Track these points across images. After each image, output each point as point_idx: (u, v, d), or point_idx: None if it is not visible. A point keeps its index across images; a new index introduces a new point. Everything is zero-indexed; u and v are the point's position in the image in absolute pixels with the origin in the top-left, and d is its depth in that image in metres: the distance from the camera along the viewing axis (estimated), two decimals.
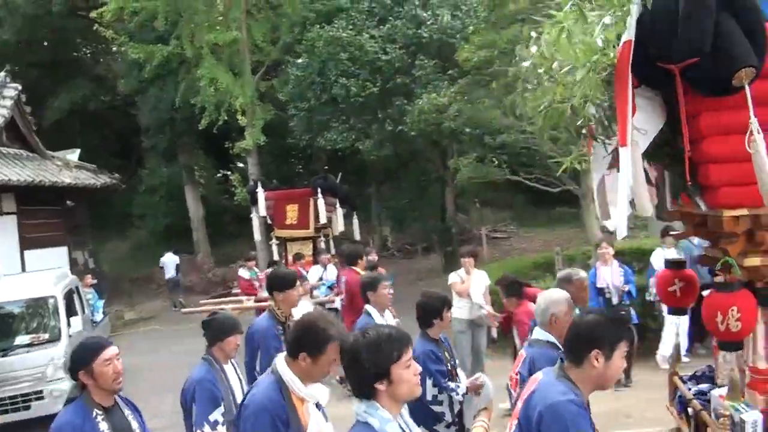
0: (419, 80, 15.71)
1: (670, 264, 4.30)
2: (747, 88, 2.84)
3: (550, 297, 4.15)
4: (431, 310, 4.70)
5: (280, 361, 3.30)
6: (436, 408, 4.45)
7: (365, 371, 2.60)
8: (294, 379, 3.23)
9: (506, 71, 10.48)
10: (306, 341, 3.22)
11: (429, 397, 4.36)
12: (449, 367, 4.70)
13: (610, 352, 2.84)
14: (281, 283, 5.25)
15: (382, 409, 2.60)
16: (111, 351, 3.65)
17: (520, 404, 3.00)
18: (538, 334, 4.08)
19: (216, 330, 4.56)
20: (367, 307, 5.59)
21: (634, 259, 11.04)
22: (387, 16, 17.27)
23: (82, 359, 3.63)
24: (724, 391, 3.74)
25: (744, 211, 3.19)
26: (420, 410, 4.09)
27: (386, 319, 5.65)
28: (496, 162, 12.42)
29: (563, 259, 12.72)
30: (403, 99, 15.82)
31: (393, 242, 24.63)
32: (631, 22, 2.92)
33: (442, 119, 12.34)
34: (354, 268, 8.85)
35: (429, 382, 4.38)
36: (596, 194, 4.06)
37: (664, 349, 9.03)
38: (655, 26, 2.89)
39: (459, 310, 8.43)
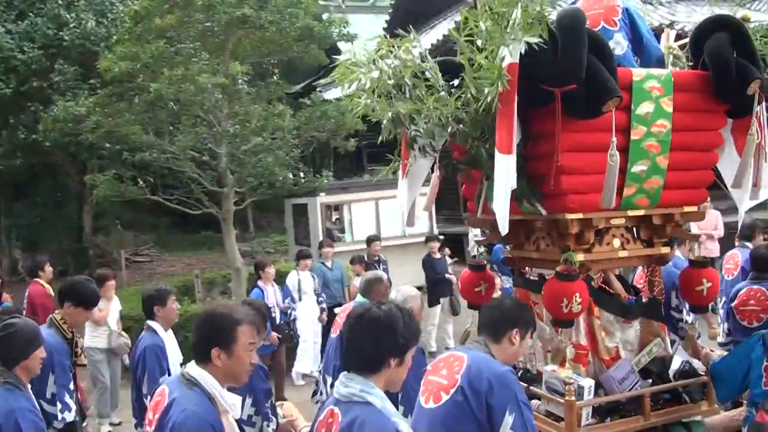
0: (58, 86, 14.53)
1: (475, 267, 4.88)
2: (613, 113, 3.69)
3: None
4: None
5: (196, 370, 2.82)
6: None
7: (391, 344, 2.62)
8: (219, 387, 2.82)
9: (149, 86, 10.08)
10: (212, 331, 2.85)
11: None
12: None
13: (525, 332, 3.38)
14: None
15: (377, 388, 2.59)
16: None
17: (447, 380, 3.17)
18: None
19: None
20: (151, 323, 4.99)
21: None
22: (27, 11, 15.71)
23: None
24: (555, 366, 4.14)
25: (580, 215, 3.89)
26: None
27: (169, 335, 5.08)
28: (137, 181, 11.82)
29: (203, 283, 12.61)
30: (39, 105, 14.46)
31: (24, 265, 22.27)
32: (517, 49, 3.47)
33: (79, 131, 11.42)
34: (37, 280, 8.39)
35: None
36: (407, 201, 4.75)
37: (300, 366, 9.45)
38: (540, 56, 3.46)
39: (97, 339, 8.09)
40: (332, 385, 3.05)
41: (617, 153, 3.72)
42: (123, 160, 12.39)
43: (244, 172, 11.27)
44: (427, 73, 4.08)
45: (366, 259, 10.31)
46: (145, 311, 5.08)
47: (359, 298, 5.42)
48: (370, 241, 10.95)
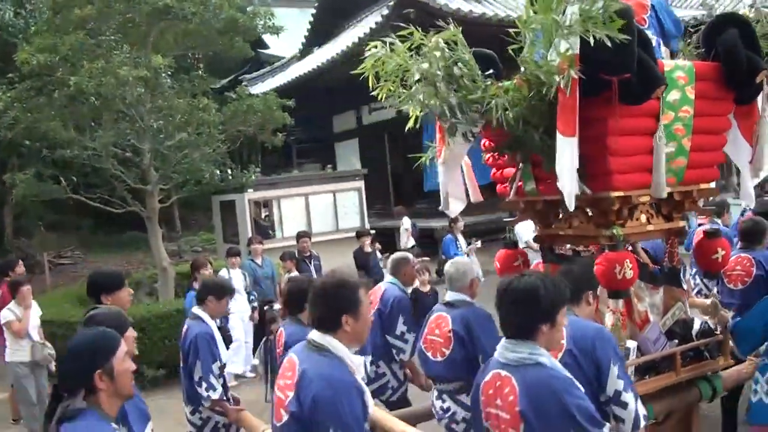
0: None
1: (510, 245, 5.25)
2: (660, 99, 4.17)
3: (466, 265, 4.80)
4: None
5: (323, 338, 2.89)
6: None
7: (538, 312, 2.82)
8: (347, 351, 2.91)
9: (69, 80, 9.72)
10: (342, 300, 2.90)
11: None
12: None
13: (596, 293, 3.74)
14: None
15: (543, 349, 2.83)
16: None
17: None
18: (455, 296, 4.60)
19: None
20: (198, 311, 5.19)
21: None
22: None
23: (103, 352, 2.60)
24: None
25: (621, 193, 4.25)
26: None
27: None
28: (59, 180, 11.40)
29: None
30: None
31: None
32: (577, 42, 3.80)
33: None
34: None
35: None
36: (446, 186, 4.92)
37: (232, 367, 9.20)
38: (598, 48, 3.74)
39: (19, 353, 7.53)
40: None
41: (663, 135, 4.27)
42: (43, 158, 11.95)
43: (169, 169, 11.01)
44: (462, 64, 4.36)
45: (297, 255, 10.19)
46: (198, 300, 5.21)
47: (388, 278, 5.69)
48: (299, 236, 10.81)
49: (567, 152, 3.94)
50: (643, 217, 4.57)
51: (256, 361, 6.94)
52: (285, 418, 2.85)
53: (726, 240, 5.08)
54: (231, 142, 12.19)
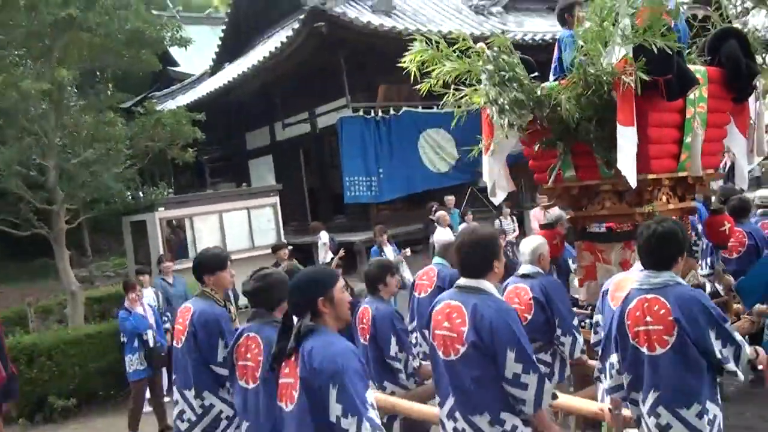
0: None
1: (546, 226, 6.08)
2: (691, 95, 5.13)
3: (537, 241, 5.24)
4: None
5: (478, 282, 3.53)
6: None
7: (676, 247, 3.59)
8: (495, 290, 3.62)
9: None
10: (493, 248, 3.60)
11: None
12: None
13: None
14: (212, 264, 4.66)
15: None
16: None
17: (660, 324, 3.49)
18: (529, 268, 5.08)
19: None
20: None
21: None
22: None
23: (323, 283, 3.20)
24: None
25: (654, 176, 5.20)
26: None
27: None
28: None
29: (35, 312, 11.70)
30: None
31: None
32: (630, 47, 4.71)
33: None
34: None
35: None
36: (494, 176, 5.76)
37: None
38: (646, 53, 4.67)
39: None
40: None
41: (700, 125, 5.27)
42: None
43: (76, 188, 10.53)
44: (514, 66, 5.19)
45: None
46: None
47: (437, 259, 6.10)
48: None
49: (627, 139, 4.78)
50: (664, 198, 5.48)
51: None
52: (462, 350, 3.44)
53: (729, 215, 6.09)
54: (140, 159, 11.79)
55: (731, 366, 3.42)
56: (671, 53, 4.70)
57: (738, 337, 3.52)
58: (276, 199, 15.48)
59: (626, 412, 3.77)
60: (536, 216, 12.55)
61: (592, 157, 5.34)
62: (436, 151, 16.38)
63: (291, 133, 18.54)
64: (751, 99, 5.91)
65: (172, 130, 11.29)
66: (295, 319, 3.19)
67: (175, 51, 21.97)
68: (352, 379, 2.96)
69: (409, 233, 14.58)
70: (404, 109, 15.85)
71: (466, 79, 5.29)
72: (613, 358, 3.73)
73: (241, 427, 3.99)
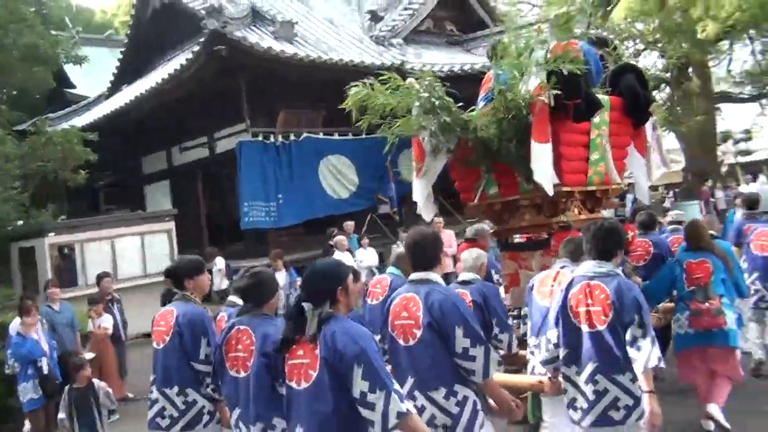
0: None
1: (469, 240, 7.02)
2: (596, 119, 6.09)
3: (478, 252, 5.66)
4: None
5: (427, 274, 4.04)
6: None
7: (616, 243, 4.37)
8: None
9: None
10: (439, 245, 4.17)
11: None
12: None
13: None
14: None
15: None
16: None
17: (599, 305, 4.18)
18: (469, 276, 5.42)
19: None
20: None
21: None
22: None
23: (342, 274, 3.53)
24: None
25: (567, 189, 5.99)
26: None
27: None
28: None
29: None
30: None
31: None
32: (543, 75, 5.51)
33: None
34: None
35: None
36: (422, 197, 6.38)
37: None
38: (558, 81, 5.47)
39: None
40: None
41: (607, 144, 6.23)
42: None
43: None
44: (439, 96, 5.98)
45: (98, 298, 9.57)
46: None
47: (391, 269, 6.55)
48: (99, 278, 10.17)
49: (543, 155, 5.52)
50: (576, 210, 6.26)
51: (62, 415, 6.37)
52: (419, 334, 3.88)
53: (631, 225, 7.29)
54: (31, 181, 11.34)
55: (641, 344, 4.00)
56: (579, 79, 5.47)
57: (650, 324, 4.14)
58: (171, 225, 15.12)
59: (560, 380, 4.36)
60: None
61: (513, 174, 6.08)
62: (337, 177, 16.39)
63: (189, 157, 18.22)
64: (648, 124, 6.84)
65: (64, 150, 10.93)
66: (306, 306, 3.42)
67: (72, 72, 21.44)
68: (376, 357, 3.28)
69: (309, 258, 14.49)
70: (305, 134, 15.76)
71: (397, 111, 5.98)
72: (551, 334, 4.36)
73: (232, 414, 4.22)
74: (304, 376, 3.36)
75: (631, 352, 4.01)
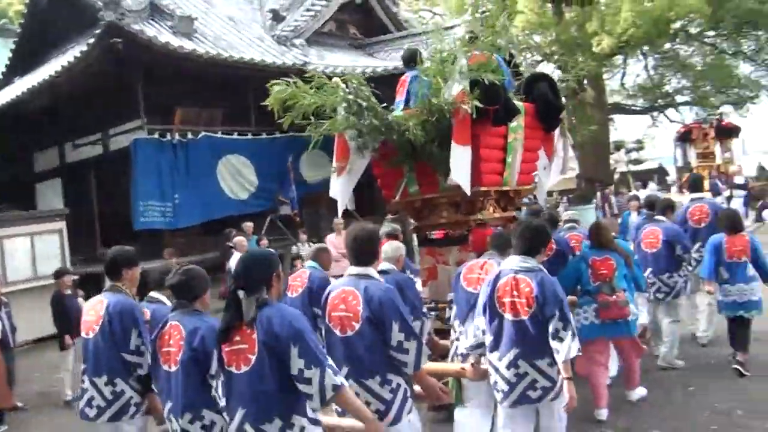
0: None
1: (388, 235, 6.88)
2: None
3: (397, 244, 5.88)
4: None
5: (366, 269, 4.32)
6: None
7: (541, 241, 4.89)
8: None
9: None
10: (376, 243, 4.57)
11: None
12: None
13: None
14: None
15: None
16: None
17: (523, 297, 4.64)
18: (387, 266, 5.44)
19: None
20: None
21: None
22: None
23: (276, 261, 3.77)
24: None
25: (483, 189, 6.31)
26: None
27: None
28: None
29: None
30: None
31: None
32: (467, 82, 5.87)
33: None
34: None
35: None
36: (342, 195, 6.64)
37: None
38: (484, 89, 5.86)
39: None
40: None
41: (520, 148, 6.61)
42: None
43: None
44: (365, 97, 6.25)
45: None
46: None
47: (310, 263, 6.63)
48: None
49: (463, 157, 5.88)
50: (491, 209, 6.60)
51: None
52: (358, 326, 4.13)
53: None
54: None
55: (563, 336, 4.49)
56: (499, 87, 5.96)
57: (571, 318, 4.63)
58: (62, 225, 14.54)
59: (484, 366, 4.85)
60: (332, 242, 12.86)
61: (433, 174, 6.40)
62: (235, 178, 16.17)
63: (82, 154, 17.58)
64: (557, 131, 7.25)
65: None
66: (240, 294, 3.57)
67: None
68: (310, 337, 3.52)
69: (206, 260, 14.25)
70: (203, 133, 15.49)
71: (321, 111, 6.25)
72: (479, 321, 4.84)
73: (165, 407, 4.29)
74: (243, 361, 3.53)
75: (554, 343, 4.50)
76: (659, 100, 37.36)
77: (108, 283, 5.03)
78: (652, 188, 27.53)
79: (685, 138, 24.84)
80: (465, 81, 5.88)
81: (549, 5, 23.68)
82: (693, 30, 31.94)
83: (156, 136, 14.83)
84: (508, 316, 4.65)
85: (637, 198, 14.29)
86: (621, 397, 6.74)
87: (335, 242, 12.63)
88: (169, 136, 15.01)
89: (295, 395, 3.51)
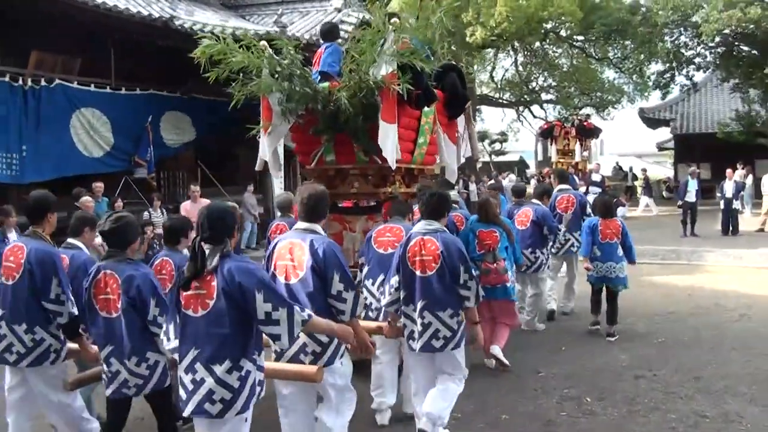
0: None
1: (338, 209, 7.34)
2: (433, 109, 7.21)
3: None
4: None
5: (312, 225, 4.61)
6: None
7: (444, 207, 5.54)
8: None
9: None
10: (324, 203, 4.74)
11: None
12: None
13: None
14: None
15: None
16: None
17: (430, 255, 5.25)
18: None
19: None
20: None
21: None
22: None
23: (235, 215, 4.04)
24: None
25: (400, 165, 6.95)
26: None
27: None
28: None
29: None
30: None
31: None
32: (394, 64, 6.35)
33: None
34: None
35: None
36: (269, 152, 7.00)
37: None
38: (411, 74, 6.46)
39: None
40: None
41: (430, 132, 7.28)
42: None
43: None
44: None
45: None
46: (74, 233, 5.50)
47: (279, 213, 7.62)
48: None
49: (390, 133, 6.39)
50: (397, 184, 7.14)
51: None
52: (302, 274, 4.41)
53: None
54: None
55: (470, 285, 5.14)
56: (423, 74, 6.47)
57: (474, 272, 5.26)
58: None
59: (400, 324, 5.33)
60: (186, 208, 12.67)
61: (351, 145, 6.83)
62: (90, 134, 14.96)
63: None
64: (461, 118, 7.91)
65: None
66: (205, 247, 3.76)
67: None
68: (271, 283, 3.88)
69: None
70: (57, 81, 14.23)
71: (250, 71, 6.56)
72: (393, 280, 5.30)
73: (103, 351, 4.53)
74: (202, 305, 3.73)
75: (463, 291, 5.15)
76: (525, 96, 39.11)
77: (29, 228, 5.05)
78: (511, 179, 28.63)
79: (547, 134, 25.79)
80: (393, 63, 6.29)
81: None
82: (563, 32, 33.53)
83: (6, 78, 13.47)
84: (418, 273, 5.19)
85: (497, 187, 15.08)
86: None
87: (190, 209, 12.12)
88: (20, 81, 13.70)
89: (246, 340, 3.76)
